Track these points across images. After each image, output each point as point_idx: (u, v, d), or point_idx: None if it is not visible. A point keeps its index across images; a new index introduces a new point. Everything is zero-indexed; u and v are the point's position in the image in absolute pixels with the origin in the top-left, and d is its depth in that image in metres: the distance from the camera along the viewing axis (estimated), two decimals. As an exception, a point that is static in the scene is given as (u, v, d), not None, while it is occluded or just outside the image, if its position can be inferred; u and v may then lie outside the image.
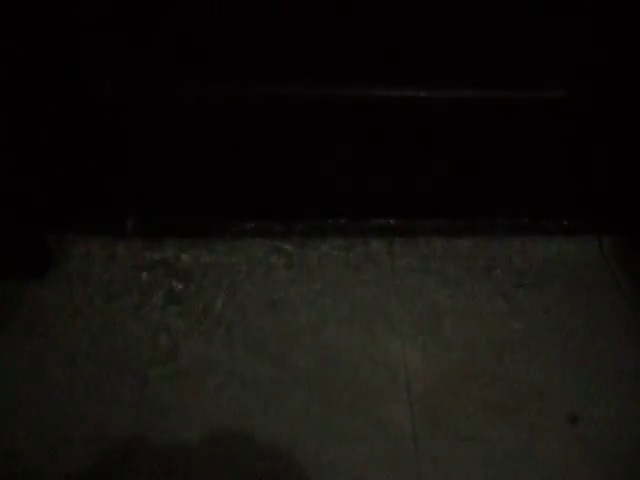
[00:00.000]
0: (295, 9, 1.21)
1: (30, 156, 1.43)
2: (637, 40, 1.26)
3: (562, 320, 1.43)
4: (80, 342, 1.37)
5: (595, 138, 1.46)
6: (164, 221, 1.62)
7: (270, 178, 1.53)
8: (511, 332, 1.41)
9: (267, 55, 1.29)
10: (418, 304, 1.47)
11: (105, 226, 1.60)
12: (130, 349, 1.36)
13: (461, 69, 1.32)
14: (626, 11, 1.22)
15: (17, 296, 1.46)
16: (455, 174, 1.53)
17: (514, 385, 1.30)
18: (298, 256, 1.58)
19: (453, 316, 1.44)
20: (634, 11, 1.21)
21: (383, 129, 1.43)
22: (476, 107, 1.39)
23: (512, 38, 1.27)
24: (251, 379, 1.31)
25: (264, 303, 1.46)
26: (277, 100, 1.37)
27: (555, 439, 1.21)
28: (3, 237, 1.45)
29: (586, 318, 1.44)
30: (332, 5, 1.21)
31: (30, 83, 1.30)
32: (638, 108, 1.38)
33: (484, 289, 1.50)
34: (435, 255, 1.59)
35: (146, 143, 1.46)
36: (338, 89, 1.35)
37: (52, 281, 1.50)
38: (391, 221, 1.64)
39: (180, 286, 1.50)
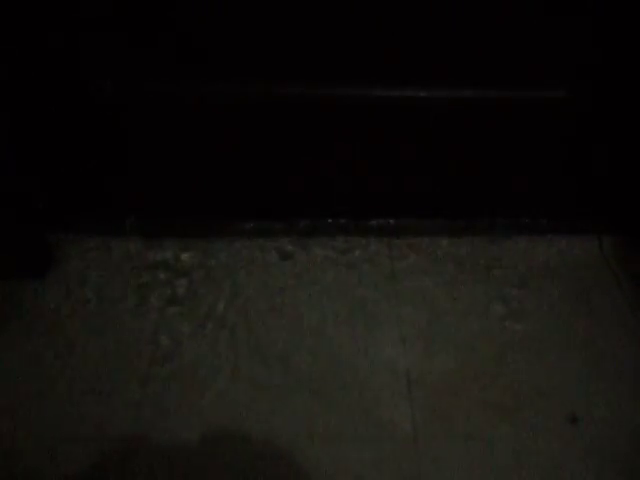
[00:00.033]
0: (295, 9, 1.21)
1: (30, 156, 1.43)
2: (637, 40, 1.26)
3: (562, 320, 1.43)
4: (80, 342, 1.37)
5: (595, 138, 1.46)
6: (164, 221, 1.62)
7: (270, 178, 1.53)
8: (511, 332, 1.41)
9: (267, 55, 1.29)
10: (418, 304, 1.47)
11: (105, 226, 1.60)
12: (130, 349, 1.36)
13: (461, 69, 1.32)
14: (626, 11, 1.22)
15: (17, 296, 1.46)
16: (455, 174, 1.53)
17: (514, 385, 1.30)
18: (298, 256, 1.58)
19: (453, 316, 1.44)
20: (634, 11, 1.21)
21: (383, 129, 1.43)
22: (476, 107, 1.39)
23: (512, 38, 1.27)
24: (251, 379, 1.30)
25: (264, 303, 1.46)
26: (277, 100, 1.37)
27: (555, 439, 1.21)
28: (3, 237, 1.45)
29: (586, 318, 1.44)
30: (332, 5, 1.21)
31: (30, 83, 1.30)
32: (638, 108, 1.38)
33: (484, 289, 1.50)
34: (435, 255, 1.59)
35: (146, 143, 1.46)
36: (338, 89, 1.35)
37: (52, 281, 1.50)
38: (391, 221, 1.64)
39: (180, 286, 1.50)
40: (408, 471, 1.16)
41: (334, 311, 1.45)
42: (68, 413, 1.23)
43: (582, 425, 1.23)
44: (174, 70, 1.32)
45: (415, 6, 1.21)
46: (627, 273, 1.54)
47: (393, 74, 1.32)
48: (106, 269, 1.53)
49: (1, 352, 1.34)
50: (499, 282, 1.52)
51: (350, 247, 1.60)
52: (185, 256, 1.57)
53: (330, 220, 1.63)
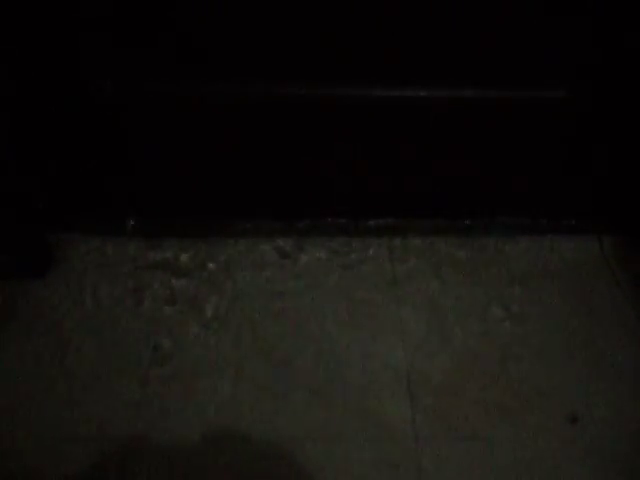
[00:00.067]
0: (295, 9, 1.21)
1: (30, 156, 1.43)
2: (637, 40, 1.26)
3: (562, 320, 1.43)
4: (80, 342, 1.37)
5: (595, 138, 1.46)
6: (164, 221, 1.62)
7: (270, 178, 1.53)
8: (511, 332, 1.41)
9: (267, 55, 1.29)
10: (418, 304, 1.47)
11: (105, 226, 1.60)
12: (130, 349, 1.36)
13: (461, 69, 1.32)
14: (626, 11, 1.21)
15: (17, 296, 1.46)
16: (455, 174, 1.53)
17: (514, 385, 1.30)
18: (298, 256, 1.58)
19: (453, 316, 1.44)
20: (634, 11, 1.21)
21: (383, 129, 1.43)
22: (476, 107, 1.39)
23: (512, 38, 1.27)
24: (252, 379, 1.31)
25: (264, 303, 1.46)
26: (277, 100, 1.37)
27: (555, 439, 1.21)
28: (3, 237, 1.45)
29: (586, 318, 1.44)
30: (332, 5, 1.21)
31: (30, 83, 1.30)
32: (638, 108, 1.38)
33: (484, 289, 1.50)
34: (435, 255, 1.59)
35: (146, 143, 1.46)
36: (338, 89, 1.35)
37: (52, 281, 1.50)
38: (391, 221, 1.64)
39: (180, 286, 1.50)
40: (408, 471, 1.16)
41: (334, 311, 1.45)
42: (68, 413, 1.24)
43: (582, 425, 1.23)
44: (174, 70, 1.32)
45: (415, 6, 1.21)
46: (627, 273, 1.54)
47: (393, 74, 1.32)
48: (106, 269, 1.53)
49: (1, 352, 1.34)
50: (499, 282, 1.52)
51: (350, 247, 1.60)
52: (185, 256, 1.57)
53: (330, 220, 1.63)
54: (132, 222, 1.61)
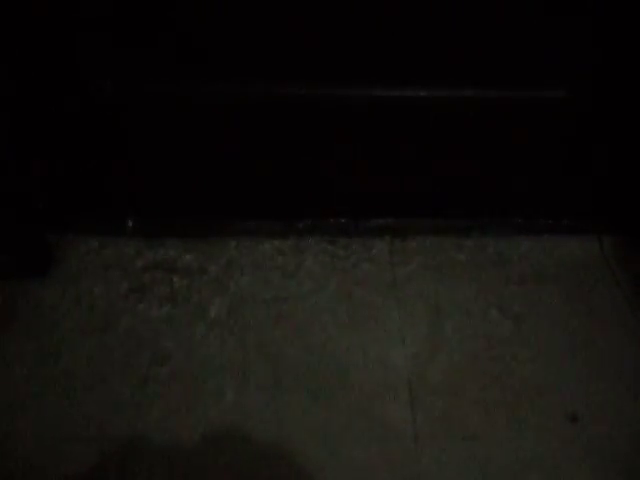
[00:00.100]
0: (295, 9, 1.21)
1: (30, 156, 1.43)
2: (637, 40, 1.26)
3: (562, 320, 1.43)
4: (80, 342, 1.37)
5: (595, 138, 1.46)
6: (164, 221, 1.62)
7: (270, 178, 1.53)
8: (511, 332, 1.41)
9: (267, 55, 1.29)
10: (418, 304, 1.47)
11: (105, 226, 1.60)
12: (130, 349, 1.36)
13: (461, 69, 1.32)
14: (626, 11, 1.21)
15: (17, 296, 1.46)
16: (455, 174, 1.53)
17: (514, 385, 1.30)
18: (298, 256, 1.58)
19: (453, 316, 1.44)
20: (634, 11, 1.21)
21: (383, 129, 1.43)
22: (476, 107, 1.39)
23: (512, 38, 1.27)
24: (252, 379, 1.30)
25: (264, 303, 1.46)
26: (277, 100, 1.37)
27: (555, 439, 1.21)
28: (3, 237, 1.45)
29: (586, 318, 1.44)
30: (332, 5, 1.21)
31: (30, 83, 1.30)
32: (638, 108, 1.38)
33: (484, 289, 1.50)
34: (435, 255, 1.59)
35: (146, 143, 1.46)
36: (338, 89, 1.35)
37: (52, 281, 1.50)
38: (391, 221, 1.64)
39: (181, 286, 1.50)
40: (408, 471, 1.16)
41: (334, 312, 1.45)
42: (68, 413, 1.24)
43: (582, 425, 1.23)
44: (174, 70, 1.32)
45: (415, 6, 1.21)
46: (627, 273, 1.54)
47: (393, 74, 1.32)
48: (106, 269, 1.53)
49: (1, 352, 1.34)
50: (499, 282, 1.52)
51: (350, 247, 1.60)
52: (185, 256, 1.57)
53: (330, 220, 1.63)
54: (132, 222, 1.61)
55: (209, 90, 1.35)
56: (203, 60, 1.30)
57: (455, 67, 1.31)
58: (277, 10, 1.22)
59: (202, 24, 1.24)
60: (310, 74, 1.32)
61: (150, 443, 1.19)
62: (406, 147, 1.47)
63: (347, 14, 1.22)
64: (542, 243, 1.61)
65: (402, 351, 1.36)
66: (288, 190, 1.57)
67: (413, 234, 1.63)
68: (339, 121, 1.40)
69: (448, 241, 1.62)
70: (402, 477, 1.15)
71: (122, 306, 1.45)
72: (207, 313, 1.44)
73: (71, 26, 1.23)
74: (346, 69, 1.31)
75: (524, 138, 1.45)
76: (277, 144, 1.45)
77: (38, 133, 1.39)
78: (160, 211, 1.61)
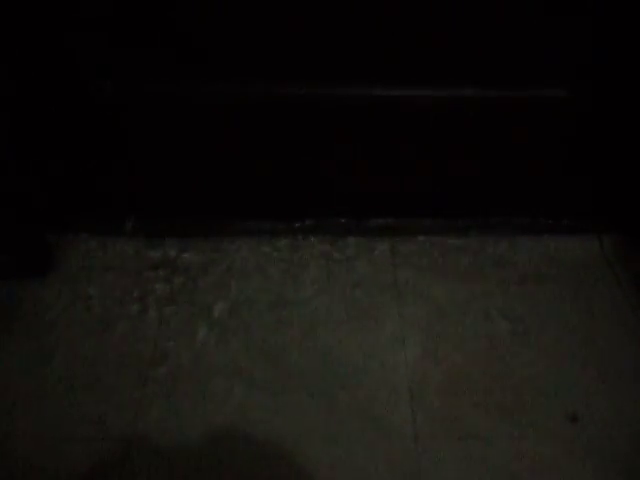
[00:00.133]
0: (295, 9, 1.21)
1: (30, 156, 1.43)
2: (637, 40, 1.26)
3: (562, 320, 1.43)
4: (80, 342, 1.37)
5: (595, 138, 1.46)
6: (164, 221, 1.62)
7: (270, 178, 1.53)
8: (511, 332, 1.41)
9: (267, 55, 1.29)
10: (418, 304, 1.47)
11: (105, 226, 1.60)
12: (131, 349, 1.36)
13: (461, 69, 1.32)
14: (626, 11, 1.21)
15: (17, 296, 1.46)
16: (455, 174, 1.53)
17: (514, 385, 1.30)
18: (299, 256, 1.58)
19: (453, 316, 1.44)
20: (634, 11, 1.21)
21: (383, 129, 1.43)
22: (476, 107, 1.39)
23: (512, 38, 1.27)
24: (252, 380, 1.31)
25: (265, 303, 1.46)
26: (277, 100, 1.37)
27: (555, 438, 1.21)
28: (3, 237, 1.45)
29: (587, 317, 1.44)
30: (332, 5, 1.21)
31: (30, 83, 1.30)
32: (638, 108, 1.38)
33: (484, 289, 1.50)
34: (435, 255, 1.59)
35: (146, 143, 1.46)
36: (338, 89, 1.35)
37: (52, 281, 1.50)
38: (391, 221, 1.64)
39: (181, 286, 1.50)
40: (408, 471, 1.16)
41: (335, 311, 1.45)
42: (68, 413, 1.24)
43: (582, 425, 1.23)
44: (174, 70, 1.32)
45: (415, 6, 1.21)
46: (628, 272, 1.54)
47: (393, 74, 1.32)
48: (106, 269, 1.53)
49: (1, 352, 1.34)
50: (499, 282, 1.52)
51: (350, 247, 1.60)
52: (185, 256, 1.57)
53: (330, 220, 1.63)
54: (132, 222, 1.61)
55: (209, 90, 1.35)
56: (203, 60, 1.30)
57: (455, 67, 1.31)
58: (277, 10, 1.22)
59: (202, 24, 1.24)
60: (310, 74, 1.32)
61: (150, 443, 1.19)
62: (406, 147, 1.47)
63: (347, 14, 1.22)
64: (542, 243, 1.61)
65: (402, 351, 1.36)
66: (288, 190, 1.57)
67: (413, 234, 1.63)
68: (339, 121, 1.40)
69: (448, 241, 1.62)
70: (402, 477, 1.15)
71: (122, 306, 1.45)
72: (208, 313, 1.44)
73: (71, 26, 1.23)
74: (346, 69, 1.31)
75: (524, 138, 1.45)
76: (277, 144, 1.45)
77: (38, 133, 1.39)
78: (160, 211, 1.61)
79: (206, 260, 1.56)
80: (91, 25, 1.24)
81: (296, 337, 1.39)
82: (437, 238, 1.62)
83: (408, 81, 1.33)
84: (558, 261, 1.57)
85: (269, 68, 1.31)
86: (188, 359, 1.34)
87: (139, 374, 1.31)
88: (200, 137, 1.43)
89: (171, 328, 1.40)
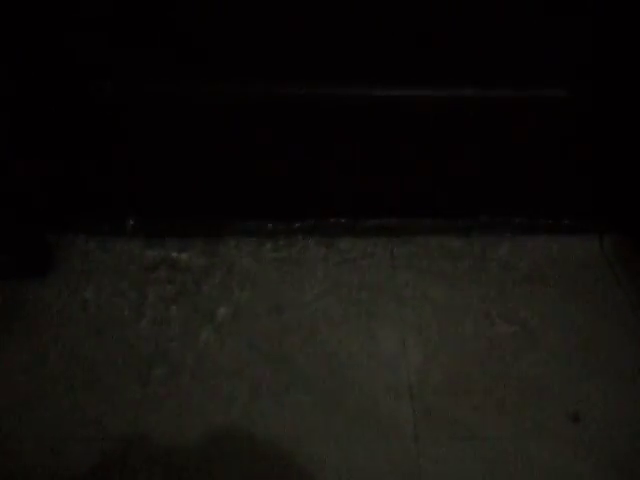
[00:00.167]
0: (295, 9, 1.21)
1: (30, 156, 1.43)
2: (637, 40, 1.26)
3: (563, 319, 1.43)
4: (81, 342, 1.37)
5: (595, 137, 1.46)
6: (164, 221, 1.62)
7: (270, 178, 1.53)
8: (512, 332, 1.41)
9: (267, 55, 1.29)
10: (418, 304, 1.47)
11: (105, 226, 1.60)
12: (131, 349, 1.35)
13: (461, 69, 1.32)
14: (626, 11, 1.22)
15: (18, 296, 1.46)
16: (455, 174, 1.53)
17: (515, 384, 1.30)
18: (299, 256, 1.58)
19: (454, 316, 1.44)
20: (634, 11, 1.21)
21: (383, 129, 1.43)
22: (476, 107, 1.39)
23: (512, 38, 1.27)
24: (252, 379, 1.30)
25: (265, 303, 1.46)
26: (277, 100, 1.37)
27: (556, 438, 1.21)
28: (3, 237, 1.45)
29: (587, 317, 1.43)
30: (332, 5, 1.21)
31: (30, 83, 1.30)
32: (638, 108, 1.38)
33: (485, 289, 1.50)
34: (435, 255, 1.59)
35: (146, 143, 1.46)
36: (338, 89, 1.35)
37: (53, 281, 1.50)
38: (391, 221, 1.64)
39: (181, 286, 1.50)
40: (409, 471, 1.16)
41: (335, 311, 1.45)
42: (68, 413, 1.23)
43: (584, 424, 1.23)
44: (174, 70, 1.32)
45: (415, 6, 1.21)
46: (628, 272, 1.54)
47: (393, 74, 1.32)
48: (107, 269, 1.53)
49: (2, 352, 1.34)
50: (499, 282, 1.52)
51: (350, 247, 1.60)
52: (186, 256, 1.57)
53: (330, 220, 1.63)
54: (132, 222, 1.61)
55: (209, 90, 1.35)
56: (203, 60, 1.30)
57: (455, 67, 1.31)
58: (277, 10, 1.22)
59: (202, 24, 1.25)
60: (310, 74, 1.32)
61: (151, 443, 1.19)
62: (406, 147, 1.47)
63: (347, 14, 1.22)
64: (542, 243, 1.61)
65: (403, 351, 1.36)
66: (288, 190, 1.57)
67: (413, 234, 1.63)
68: (339, 121, 1.40)
69: (448, 241, 1.62)
70: (402, 477, 1.15)
71: (123, 306, 1.45)
72: (208, 314, 1.44)
73: (71, 26, 1.23)
74: (346, 69, 1.31)
75: (524, 138, 1.45)
76: (277, 144, 1.45)
77: (38, 133, 1.39)
78: (160, 211, 1.61)
79: (206, 260, 1.56)
80: (91, 25, 1.24)
81: (296, 337, 1.39)
82: (437, 238, 1.62)
83: (408, 81, 1.34)
84: (558, 261, 1.57)
85: (269, 68, 1.31)
86: (189, 359, 1.34)
87: (139, 374, 1.31)
88: (200, 137, 1.43)
89: (172, 328, 1.40)
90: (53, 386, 1.28)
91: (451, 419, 1.24)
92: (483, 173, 1.52)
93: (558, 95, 1.36)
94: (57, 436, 1.20)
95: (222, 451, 1.19)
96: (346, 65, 1.30)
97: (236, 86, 1.34)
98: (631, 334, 1.40)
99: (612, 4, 1.21)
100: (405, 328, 1.41)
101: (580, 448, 1.19)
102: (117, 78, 1.32)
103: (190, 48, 1.28)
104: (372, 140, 1.45)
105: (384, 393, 1.28)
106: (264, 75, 1.32)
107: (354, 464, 1.17)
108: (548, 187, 1.56)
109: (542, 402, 1.27)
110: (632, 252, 1.58)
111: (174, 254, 1.57)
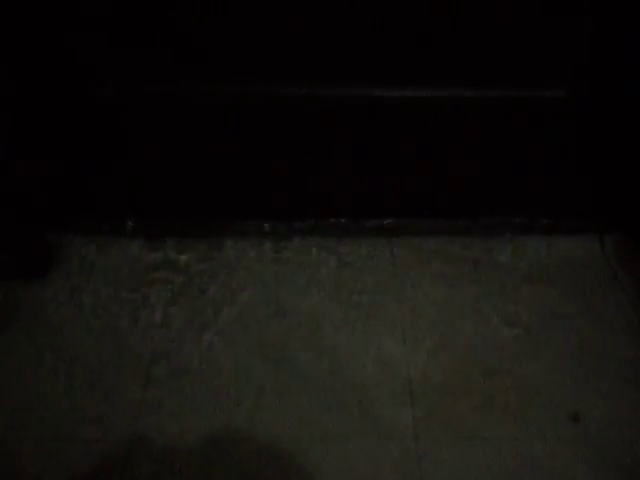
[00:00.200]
0: (295, 9, 1.21)
1: (30, 156, 1.43)
2: (637, 40, 1.26)
3: (563, 319, 1.43)
4: (81, 342, 1.37)
5: (595, 137, 1.46)
6: (164, 221, 1.62)
7: (270, 178, 1.53)
8: (512, 332, 1.40)
9: (267, 55, 1.29)
10: (419, 304, 1.46)
11: (105, 226, 1.60)
12: (131, 349, 1.35)
13: (461, 69, 1.32)
14: (625, 11, 1.22)
15: (18, 296, 1.45)
16: (455, 174, 1.53)
17: (515, 385, 1.30)
18: (299, 256, 1.58)
19: (454, 316, 1.44)
20: (633, 11, 1.21)
21: (383, 129, 1.43)
22: (476, 107, 1.39)
23: (512, 38, 1.27)
24: (252, 380, 1.30)
25: (265, 303, 1.46)
26: (277, 100, 1.37)
27: (557, 438, 1.21)
28: (3, 237, 1.45)
29: (588, 317, 1.43)
30: (332, 5, 1.21)
31: (30, 83, 1.30)
32: (637, 108, 1.38)
33: (485, 289, 1.50)
34: (435, 255, 1.59)
35: (146, 143, 1.46)
36: (338, 89, 1.35)
37: (53, 281, 1.50)
38: (391, 221, 1.64)
39: (181, 286, 1.50)
40: (409, 471, 1.16)
41: (335, 312, 1.45)
42: (68, 413, 1.23)
43: (584, 425, 1.23)
44: (174, 70, 1.32)
45: (415, 6, 1.21)
46: (628, 272, 1.53)
47: (393, 74, 1.32)
48: (107, 269, 1.53)
49: (2, 352, 1.34)
50: (500, 281, 1.52)
51: (350, 247, 1.60)
52: (186, 257, 1.57)
53: (330, 220, 1.63)
54: (132, 222, 1.61)
55: (209, 90, 1.35)
56: (203, 60, 1.31)
57: (455, 67, 1.31)
58: (277, 10, 1.22)
59: (202, 24, 1.25)
60: (310, 74, 1.32)
61: (151, 443, 1.19)
62: (406, 147, 1.47)
63: (347, 14, 1.23)
64: (543, 243, 1.61)
65: (403, 351, 1.36)
66: (288, 190, 1.57)
67: (413, 234, 1.63)
68: (339, 121, 1.40)
69: (448, 241, 1.62)
70: (402, 477, 1.15)
71: (123, 306, 1.44)
72: (208, 315, 1.43)
73: (72, 26, 1.24)
74: (346, 69, 1.31)
75: (524, 138, 1.45)
76: (277, 144, 1.45)
77: (38, 133, 1.40)
78: (160, 211, 1.61)
79: (207, 261, 1.56)
80: (91, 25, 1.24)
81: (296, 337, 1.39)
82: (437, 238, 1.62)
83: (408, 81, 1.34)
84: (559, 261, 1.57)
85: (269, 68, 1.31)
86: (189, 360, 1.34)
87: (139, 374, 1.30)
88: (200, 137, 1.43)
89: (172, 329, 1.40)
90: (53, 386, 1.28)
91: (451, 419, 1.24)
92: (483, 173, 1.52)
93: (557, 95, 1.36)
94: (57, 436, 1.20)
95: (222, 452, 1.18)
96: (346, 65, 1.30)
97: (236, 86, 1.34)
98: (631, 334, 1.40)
99: (612, 4, 1.21)
100: (406, 329, 1.41)
101: (580, 448, 1.19)
102: (117, 78, 1.33)
103: (190, 48, 1.28)
104: (372, 140, 1.45)
105: (384, 393, 1.28)
106: (264, 75, 1.32)
107: (354, 464, 1.17)
108: (548, 187, 1.56)
109: (542, 402, 1.27)
110: (632, 252, 1.58)
111: (174, 255, 1.57)
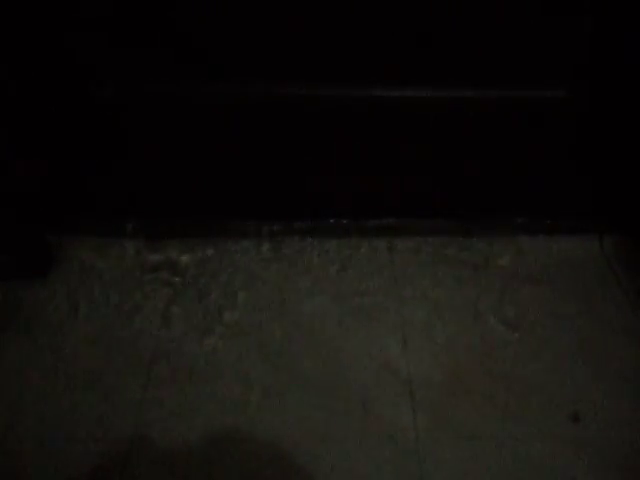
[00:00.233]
0: (295, 9, 1.21)
1: (30, 156, 1.43)
2: (637, 40, 1.26)
3: (563, 319, 1.43)
4: (81, 342, 1.37)
5: (595, 137, 1.46)
6: (165, 221, 1.62)
7: (270, 178, 1.53)
8: (512, 332, 1.40)
9: (267, 55, 1.29)
10: (419, 305, 1.47)
11: (106, 226, 1.60)
12: (131, 350, 1.35)
13: (461, 69, 1.32)
14: (625, 11, 1.22)
15: (18, 296, 1.46)
16: (455, 174, 1.53)
17: (515, 385, 1.30)
18: (299, 256, 1.58)
19: (454, 316, 1.44)
20: (633, 11, 1.21)
21: (383, 129, 1.43)
22: (476, 107, 1.39)
23: (512, 38, 1.27)
24: (252, 380, 1.30)
25: (266, 304, 1.46)
26: (277, 100, 1.37)
27: (557, 438, 1.21)
28: (3, 237, 1.45)
29: (587, 317, 1.43)
30: (332, 5, 1.21)
31: (30, 83, 1.30)
32: (637, 108, 1.38)
33: (485, 289, 1.50)
34: (435, 255, 1.59)
35: (146, 143, 1.46)
36: (338, 89, 1.35)
37: (53, 281, 1.50)
38: (391, 221, 1.63)
39: (181, 287, 1.50)
40: (410, 472, 1.16)
41: (336, 312, 1.45)
42: (68, 413, 1.23)
43: (584, 425, 1.23)
44: (174, 70, 1.32)
45: (415, 6, 1.21)
46: (628, 272, 1.54)
47: (393, 74, 1.32)
48: (107, 270, 1.53)
49: (2, 352, 1.34)
50: (500, 281, 1.52)
51: (350, 247, 1.60)
52: (186, 256, 1.57)
53: (330, 220, 1.63)
54: (132, 223, 1.61)
55: (209, 90, 1.35)
56: (203, 60, 1.30)
57: (455, 67, 1.31)
58: (277, 10, 1.22)
59: (202, 24, 1.25)
60: (310, 74, 1.32)
61: (151, 444, 1.19)
62: (406, 147, 1.47)
63: (347, 14, 1.23)
64: (542, 243, 1.61)
65: (403, 351, 1.36)
66: (288, 190, 1.57)
67: (413, 235, 1.63)
68: (339, 121, 1.40)
69: (448, 241, 1.62)
70: (403, 477, 1.15)
71: (123, 306, 1.44)
72: (208, 313, 1.44)
73: (71, 26, 1.23)
74: (346, 69, 1.31)
75: (524, 138, 1.45)
76: (277, 144, 1.45)
77: (38, 133, 1.39)
78: (160, 211, 1.61)
79: (206, 261, 1.56)
80: (91, 25, 1.24)
81: (296, 337, 1.39)
82: (437, 238, 1.62)
83: (408, 81, 1.34)
84: (558, 261, 1.57)
85: (269, 68, 1.31)
86: (189, 360, 1.34)
87: (140, 374, 1.30)
88: (200, 137, 1.43)
89: (172, 329, 1.40)
90: (53, 386, 1.28)
91: (452, 419, 1.24)
92: (483, 173, 1.52)
93: (557, 95, 1.36)
94: (57, 436, 1.20)
95: (222, 452, 1.18)
96: (346, 65, 1.30)
97: (236, 86, 1.34)
98: (631, 334, 1.40)
99: (612, 4, 1.21)
100: (406, 329, 1.41)
101: (580, 448, 1.19)
102: (117, 78, 1.32)
103: (190, 48, 1.28)
104: (372, 140, 1.45)
105: (385, 393, 1.28)
106: (264, 75, 1.32)
107: (354, 464, 1.17)
108: (548, 187, 1.56)
109: (542, 402, 1.27)
110: (632, 252, 1.58)
111: (174, 255, 1.57)
